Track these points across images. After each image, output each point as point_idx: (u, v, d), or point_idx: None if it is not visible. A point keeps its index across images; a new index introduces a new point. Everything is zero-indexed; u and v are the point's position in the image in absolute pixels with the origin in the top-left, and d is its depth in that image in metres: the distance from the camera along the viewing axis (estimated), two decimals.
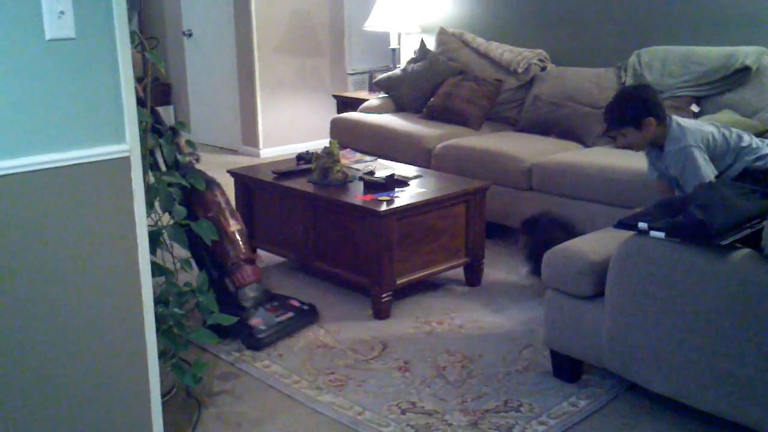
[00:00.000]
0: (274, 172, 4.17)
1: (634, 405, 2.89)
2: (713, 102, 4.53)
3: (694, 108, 4.51)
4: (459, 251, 3.97)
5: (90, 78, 1.96)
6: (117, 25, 1.96)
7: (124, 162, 2.02)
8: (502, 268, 4.30)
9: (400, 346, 3.39)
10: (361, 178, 3.97)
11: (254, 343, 3.32)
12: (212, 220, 3.16)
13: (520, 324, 3.61)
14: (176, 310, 2.59)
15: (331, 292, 3.98)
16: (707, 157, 3.18)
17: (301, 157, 4.39)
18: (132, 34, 2.20)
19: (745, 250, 2.50)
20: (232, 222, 3.39)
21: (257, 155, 7.07)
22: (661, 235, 2.61)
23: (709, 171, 3.16)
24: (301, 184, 4.00)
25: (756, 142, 3.23)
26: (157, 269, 2.63)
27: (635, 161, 4.17)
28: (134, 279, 2.13)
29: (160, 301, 2.64)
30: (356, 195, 3.78)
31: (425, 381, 3.09)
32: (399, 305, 3.78)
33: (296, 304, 3.61)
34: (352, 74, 7.37)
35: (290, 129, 7.25)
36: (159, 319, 2.60)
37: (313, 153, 4.17)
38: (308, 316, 3.59)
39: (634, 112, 3.24)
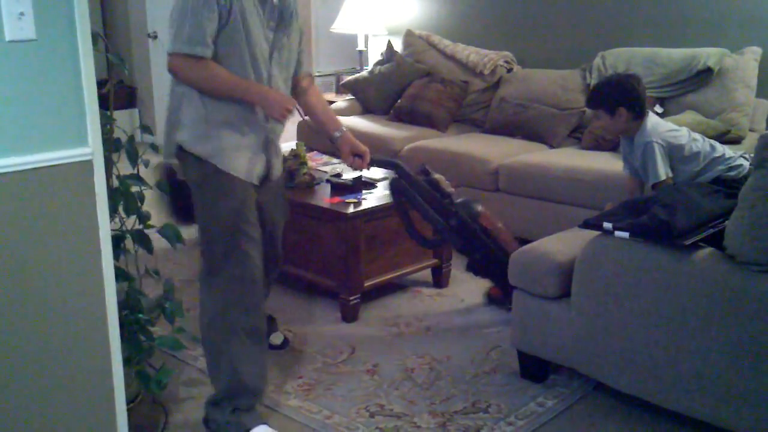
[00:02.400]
0: None
1: (602, 404, 2.91)
2: (676, 103, 4.59)
3: (658, 109, 4.55)
4: (426, 253, 3.97)
5: (51, 80, 1.93)
6: (78, 26, 1.93)
7: (87, 165, 1.99)
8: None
9: (368, 349, 3.38)
10: (328, 180, 3.96)
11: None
12: None
13: (488, 325, 3.62)
14: (140, 315, 2.56)
15: (299, 295, 3.96)
16: (666, 158, 3.22)
17: None
18: (94, 35, 2.17)
19: (708, 250, 2.53)
20: None
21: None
22: (625, 235, 2.63)
23: (662, 171, 3.20)
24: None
25: (729, 153, 3.27)
26: (120, 274, 2.59)
27: (600, 162, 4.22)
28: (98, 283, 2.09)
29: (124, 306, 2.61)
30: (323, 197, 3.77)
31: (394, 383, 3.09)
32: (367, 308, 3.77)
33: None
34: (319, 76, 7.34)
35: None
36: (123, 325, 2.57)
37: None
38: None
39: (610, 99, 3.28)
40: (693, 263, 2.50)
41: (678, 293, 2.52)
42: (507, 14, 5.76)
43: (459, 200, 3.45)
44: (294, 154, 3.96)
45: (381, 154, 5.04)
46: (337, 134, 3.09)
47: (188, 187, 2.75)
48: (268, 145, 2.79)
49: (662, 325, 2.56)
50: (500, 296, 3.66)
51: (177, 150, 2.69)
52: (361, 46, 6.55)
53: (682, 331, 2.51)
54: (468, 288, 4.07)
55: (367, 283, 3.70)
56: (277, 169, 2.90)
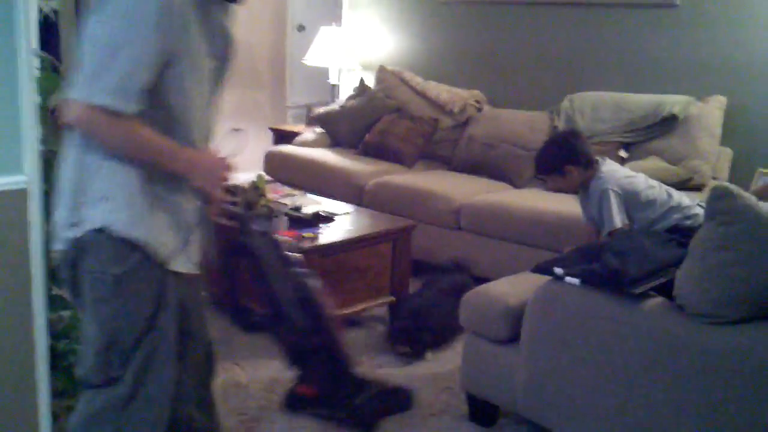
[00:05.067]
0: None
1: None
2: (641, 148, 4.59)
3: (623, 153, 4.56)
4: (383, 289, 3.92)
5: None
6: (20, 47, 1.88)
7: (21, 194, 1.92)
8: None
9: None
10: (286, 214, 3.91)
11: None
12: None
13: (442, 364, 3.55)
14: (77, 346, 2.47)
15: (249, 329, 3.88)
16: (621, 205, 3.19)
17: (228, 190, 4.30)
18: (44, 58, 2.11)
19: (659, 299, 2.50)
20: None
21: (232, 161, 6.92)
22: (576, 281, 2.60)
23: (618, 218, 3.17)
24: (221, 219, 3.90)
25: (686, 201, 3.25)
26: (62, 303, 2.52)
27: (562, 204, 4.20)
28: (26, 314, 2.03)
29: (64, 336, 2.53)
30: (280, 231, 3.71)
31: (338, 424, 3.01)
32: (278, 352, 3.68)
33: None
34: (292, 107, 7.33)
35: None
36: (60, 355, 2.49)
37: (238, 186, 4.09)
38: None
39: (555, 161, 3.28)
40: (642, 312, 2.47)
41: (627, 342, 2.48)
42: (478, 54, 5.78)
43: (302, 266, 2.87)
44: (254, 186, 3.91)
45: (346, 188, 5.03)
46: None
47: None
48: (194, 230, 2.17)
49: (610, 374, 2.51)
50: (309, 396, 2.98)
51: (88, 233, 1.96)
52: (333, 80, 6.54)
53: (630, 381, 2.47)
54: None
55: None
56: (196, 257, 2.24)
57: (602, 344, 2.53)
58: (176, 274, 2.09)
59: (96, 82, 1.83)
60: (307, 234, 3.62)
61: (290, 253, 2.81)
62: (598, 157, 3.33)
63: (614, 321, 2.51)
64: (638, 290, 2.47)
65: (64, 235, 1.97)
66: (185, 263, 2.10)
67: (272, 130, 6.65)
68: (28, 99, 1.94)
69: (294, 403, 3.05)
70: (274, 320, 2.79)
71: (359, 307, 3.82)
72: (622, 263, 2.52)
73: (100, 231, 1.94)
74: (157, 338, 2.04)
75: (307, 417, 3.04)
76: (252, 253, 2.64)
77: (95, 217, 1.94)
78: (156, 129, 1.96)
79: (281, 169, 5.59)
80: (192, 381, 2.32)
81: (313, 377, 2.94)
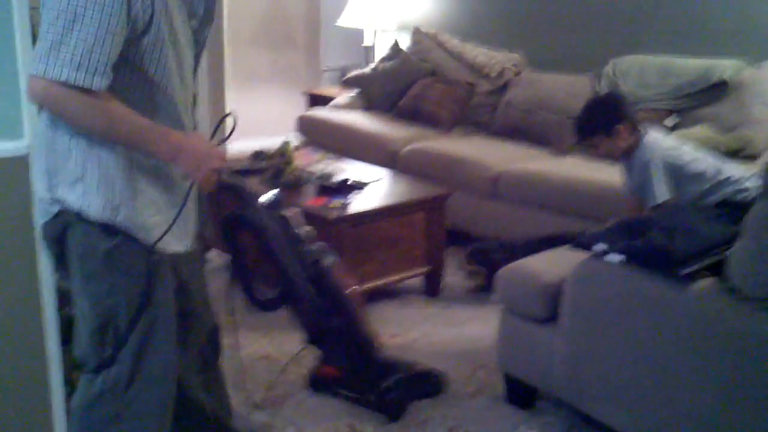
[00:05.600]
0: (223, 171, 3.95)
1: None
2: (689, 116, 4.36)
3: (669, 122, 4.34)
4: (418, 260, 3.79)
5: None
6: (15, 4, 1.75)
7: (22, 161, 1.82)
8: (465, 277, 4.10)
9: None
10: (314, 181, 3.78)
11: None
12: None
13: (478, 340, 3.42)
14: None
15: None
16: (667, 178, 3.02)
17: (258, 155, 4.19)
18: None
19: (708, 280, 2.33)
20: None
21: (224, 148, 6.84)
22: (618, 259, 2.44)
23: (664, 191, 3.00)
24: (252, 185, 3.79)
25: (737, 174, 3.06)
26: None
27: (605, 174, 4.01)
28: (31, 282, 1.91)
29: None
30: (307, 199, 3.58)
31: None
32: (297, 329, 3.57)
33: None
34: (327, 70, 7.17)
35: (261, 123, 7.02)
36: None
37: (267, 152, 3.98)
38: None
39: (603, 120, 3.11)
40: (690, 294, 2.31)
41: (672, 325, 2.32)
42: (518, 14, 5.55)
43: (314, 243, 2.65)
44: (281, 153, 3.78)
45: (380, 153, 4.88)
46: None
47: None
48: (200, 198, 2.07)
49: (654, 358, 2.36)
50: (333, 377, 2.92)
51: (69, 211, 1.83)
52: (368, 42, 6.36)
53: (676, 366, 2.31)
54: (461, 298, 3.88)
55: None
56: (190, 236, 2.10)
57: (646, 327, 2.38)
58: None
59: (55, 54, 1.64)
60: (334, 203, 3.49)
61: (302, 229, 2.59)
62: (642, 126, 3.15)
63: (659, 303, 2.35)
64: (686, 271, 2.31)
65: (47, 209, 1.84)
66: (176, 243, 1.98)
67: (306, 93, 6.50)
68: (27, 59, 1.81)
69: (318, 383, 2.97)
70: (288, 299, 2.64)
71: (391, 278, 3.70)
72: (669, 240, 2.36)
73: (77, 214, 1.82)
74: (153, 315, 1.93)
75: (333, 397, 2.94)
76: (256, 229, 2.45)
77: (71, 200, 1.80)
78: (138, 106, 1.79)
79: (314, 134, 5.46)
80: (197, 363, 2.24)
81: (336, 358, 2.85)
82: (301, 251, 2.53)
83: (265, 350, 3.27)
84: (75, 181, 1.78)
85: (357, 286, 2.81)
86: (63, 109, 1.71)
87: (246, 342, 3.31)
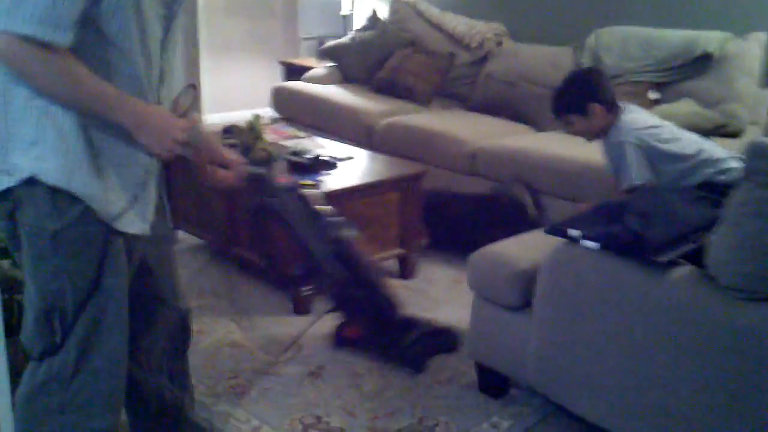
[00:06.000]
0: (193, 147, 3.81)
1: (563, 428, 2.63)
2: (673, 89, 4.24)
3: (652, 95, 4.22)
4: (391, 241, 3.67)
5: None
6: None
7: None
8: (440, 259, 3.99)
9: (316, 348, 3.09)
10: (285, 158, 3.64)
11: None
12: None
13: (452, 326, 3.31)
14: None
15: (250, 282, 3.66)
16: (642, 159, 2.90)
17: (228, 130, 4.04)
18: None
19: (686, 269, 2.22)
20: None
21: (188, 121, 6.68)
22: (593, 245, 2.32)
23: (638, 174, 2.88)
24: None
25: (720, 153, 2.94)
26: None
27: (587, 150, 3.86)
28: None
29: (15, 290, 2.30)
30: (277, 177, 3.45)
31: (337, 390, 2.80)
32: (321, 299, 3.46)
33: None
34: (307, 39, 6.99)
35: (238, 94, 6.87)
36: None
37: (235, 126, 3.83)
38: None
39: (579, 98, 2.99)
40: (668, 283, 2.20)
41: (649, 315, 2.21)
42: None
43: (333, 218, 2.77)
44: (249, 127, 3.64)
45: (356, 128, 4.75)
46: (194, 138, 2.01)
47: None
48: (145, 186, 1.91)
49: (630, 349, 2.26)
50: (357, 337, 3.05)
51: (21, 183, 1.72)
52: (345, 10, 6.18)
53: (652, 358, 2.21)
54: (436, 280, 3.77)
55: None
56: (167, 206, 2.09)
57: (622, 316, 2.27)
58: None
59: (19, 7, 1.56)
60: (305, 181, 3.36)
61: (320, 206, 2.71)
62: (620, 103, 3.02)
63: (636, 291, 2.24)
64: (664, 258, 2.20)
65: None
66: (136, 223, 1.87)
67: (282, 63, 6.34)
68: None
69: (343, 341, 3.09)
70: (312, 274, 2.91)
71: None
72: (645, 226, 2.25)
73: (32, 181, 1.70)
74: (103, 302, 1.83)
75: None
76: (278, 213, 2.57)
77: (24, 164, 1.70)
78: (95, 68, 1.68)
79: (289, 107, 5.32)
80: (164, 350, 2.15)
81: (359, 321, 3.04)
82: (322, 228, 2.67)
83: (231, 337, 3.16)
84: (30, 144, 1.69)
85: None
86: (25, 66, 1.63)
87: (212, 328, 3.21)
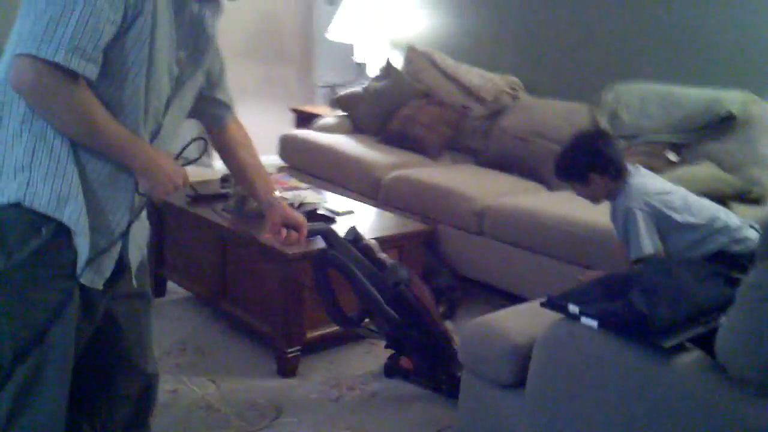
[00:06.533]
0: (188, 195, 3.67)
1: None
2: (693, 151, 4.01)
3: (672, 156, 4.00)
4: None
5: None
6: None
7: None
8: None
9: (296, 416, 2.89)
10: None
11: None
12: None
13: (439, 402, 3.06)
14: None
15: (236, 339, 3.47)
16: (651, 227, 2.71)
17: (226, 179, 3.89)
18: None
19: (695, 355, 2.00)
20: None
21: (210, 166, 6.58)
22: (593, 323, 2.11)
23: (648, 243, 2.69)
24: (212, 213, 3.50)
25: (735, 222, 2.75)
26: None
27: (598, 214, 3.67)
28: None
29: None
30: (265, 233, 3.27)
31: None
32: (309, 361, 3.26)
33: None
34: (323, 87, 6.87)
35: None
36: None
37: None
38: None
39: (577, 167, 2.84)
40: (674, 369, 1.97)
41: (653, 399, 1.99)
42: (518, 35, 5.23)
43: (392, 264, 2.93)
44: None
45: (362, 180, 4.59)
46: (270, 201, 2.23)
47: None
48: (128, 228, 1.84)
49: None
50: (410, 371, 3.10)
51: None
52: (359, 59, 6.06)
53: None
54: None
55: (311, 334, 3.20)
56: (137, 260, 1.93)
57: (622, 402, 2.05)
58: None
59: (48, 34, 1.52)
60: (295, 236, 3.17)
61: (381, 254, 2.93)
62: (630, 165, 2.83)
63: (638, 376, 2.02)
64: (669, 343, 1.98)
65: None
66: (91, 276, 1.74)
67: (294, 111, 6.22)
68: None
69: (393, 372, 3.14)
70: (369, 314, 2.96)
71: None
72: (650, 305, 2.03)
73: (14, 206, 1.63)
74: (44, 356, 1.67)
75: (403, 385, 3.05)
76: (340, 266, 2.78)
77: (10, 190, 1.63)
78: (109, 108, 1.67)
79: (296, 156, 5.17)
80: (124, 416, 1.97)
81: (411, 354, 3.06)
82: (381, 276, 2.84)
83: (208, 399, 2.96)
84: (21, 168, 1.63)
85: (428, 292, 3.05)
86: (49, 101, 1.59)
87: (189, 388, 3.02)
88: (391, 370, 3.14)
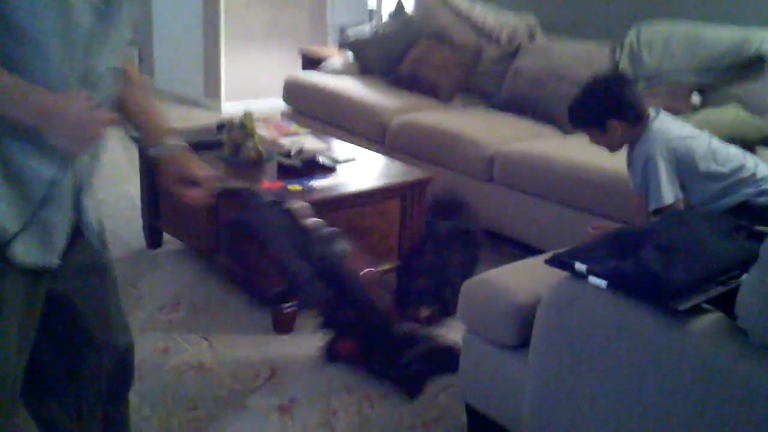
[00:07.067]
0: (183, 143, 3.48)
1: None
2: (719, 93, 3.78)
3: (695, 98, 3.77)
4: (390, 253, 3.30)
5: None
6: None
7: None
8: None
9: (291, 375, 2.75)
10: (275, 160, 3.29)
11: None
12: None
13: (455, 343, 2.91)
14: None
15: (232, 294, 3.31)
16: (673, 175, 2.51)
17: (221, 126, 3.70)
18: None
19: (712, 316, 1.82)
20: None
21: (218, 109, 6.41)
22: (601, 283, 1.93)
23: (669, 193, 2.51)
24: (208, 161, 3.32)
25: (763, 171, 2.53)
26: None
27: (615, 160, 3.46)
28: None
29: None
30: (266, 180, 3.10)
31: (306, 430, 2.45)
32: (306, 316, 3.11)
33: None
34: (335, 29, 6.64)
35: (257, 83, 6.55)
36: None
37: (225, 123, 3.49)
38: None
39: (596, 113, 2.64)
40: (689, 333, 1.80)
41: (665, 367, 1.82)
42: None
43: (321, 233, 2.41)
44: (240, 124, 3.30)
45: (369, 125, 4.39)
46: (154, 151, 1.80)
47: None
48: (79, 194, 1.60)
49: (641, 403, 1.86)
50: (353, 355, 2.81)
51: None
52: (372, 5, 5.81)
53: (667, 415, 1.81)
54: None
55: None
56: (93, 230, 1.69)
57: (632, 366, 1.88)
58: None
59: None
60: (293, 186, 3.00)
61: (309, 221, 2.34)
62: (651, 109, 2.62)
63: (650, 339, 1.85)
64: (684, 306, 1.80)
65: None
66: (35, 252, 1.51)
67: (301, 52, 6.00)
68: None
69: (334, 356, 2.84)
70: (293, 291, 2.69)
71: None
72: (665, 265, 1.84)
73: None
74: None
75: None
76: (254, 232, 2.36)
77: None
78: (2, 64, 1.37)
79: (301, 99, 4.97)
80: (100, 393, 1.82)
81: (351, 336, 2.81)
82: (306, 246, 2.33)
83: (200, 358, 2.82)
84: None
85: (372, 268, 2.67)
86: None
87: (181, 346, 2.88)
88: (330, 355, 2.84)
